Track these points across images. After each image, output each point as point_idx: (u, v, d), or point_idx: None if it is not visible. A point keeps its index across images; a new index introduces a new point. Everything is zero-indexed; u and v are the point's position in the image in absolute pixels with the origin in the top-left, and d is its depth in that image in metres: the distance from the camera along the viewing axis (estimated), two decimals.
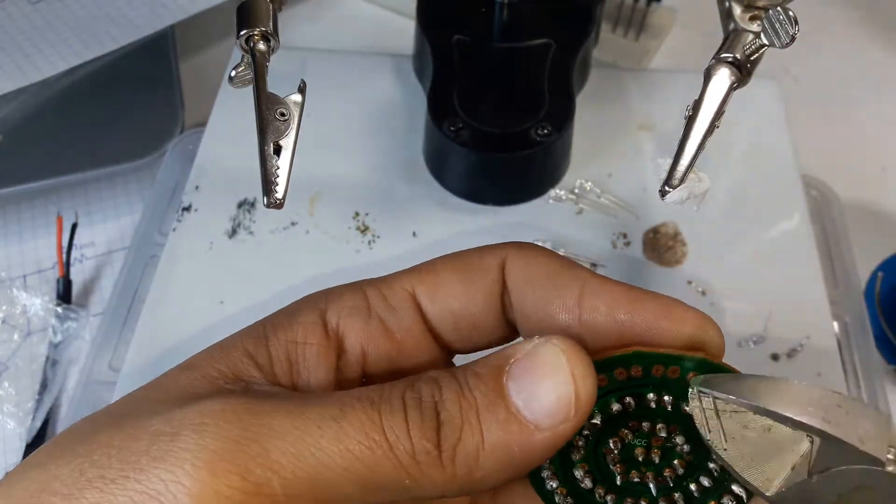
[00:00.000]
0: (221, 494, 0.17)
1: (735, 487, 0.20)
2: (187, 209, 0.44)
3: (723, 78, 0.25)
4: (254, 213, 0.44)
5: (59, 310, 0.43)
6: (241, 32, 0.26)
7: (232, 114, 0.48)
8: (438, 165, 0.44)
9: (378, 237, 0.43)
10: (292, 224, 0.44)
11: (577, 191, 0.44)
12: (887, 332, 0.42)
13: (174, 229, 0.43)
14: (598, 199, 0.44)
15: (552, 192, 0.44)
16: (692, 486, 0.21)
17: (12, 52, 0.49)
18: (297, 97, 0.26)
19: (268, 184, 0.24)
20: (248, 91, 0.26)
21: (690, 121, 0.25)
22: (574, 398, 0.18)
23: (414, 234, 0.43)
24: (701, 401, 0.19)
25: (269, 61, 0.26)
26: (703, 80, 0.26)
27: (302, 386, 0.21)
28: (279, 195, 0.24)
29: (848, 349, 0.40)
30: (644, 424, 0.21)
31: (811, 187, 0.46)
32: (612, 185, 0.45)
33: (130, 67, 0.51)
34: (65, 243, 0.44)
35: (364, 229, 0.43)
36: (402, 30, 0.51)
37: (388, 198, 0.44)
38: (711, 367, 0.20)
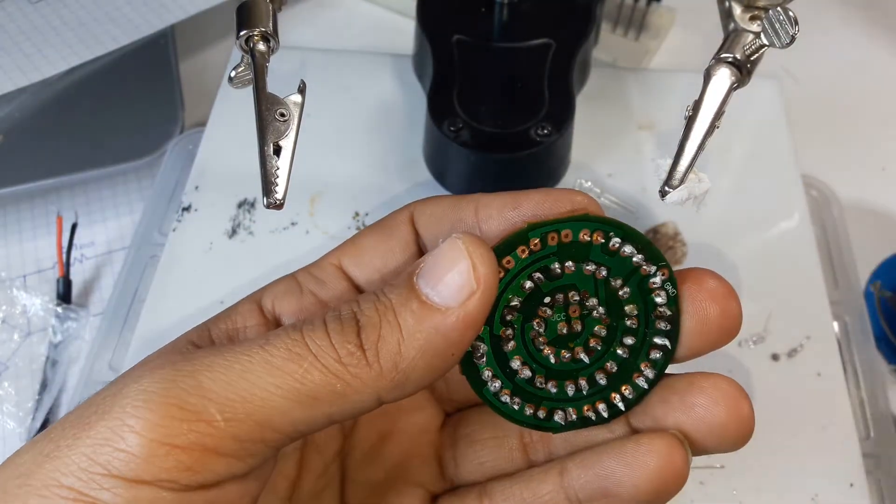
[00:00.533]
0: (163, 426, 0.18)
1: (657, 339, 0.22)
2: (187, 209, 0.44)
3: (723, 78, 0.25)
4: (254, 213, 0.44)
5: (59, 310, 0.43)
6: (241, 33, 0.26)
7: (232, 114, 0.48)
8: (438, 165, 0.44)
9: None
10: (292, 224, 0.44)
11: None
12: (887, 332, 0.42)
13: (174, 229, 0.43)
14: (598, 199, 0.44)
15: None
16: (619, 351, 0.22)
17: (12, 52, 0.49)
18: (297, 97, 0.25)
19: (268, 184, 0.24)
20: (248, 91, 0.26)
21: (690, 121, 0.25)
22: (473, 271, 0.19)
23: None
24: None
25: (268, 61, 0.26)
26: (703, 80, 0.26)
27: None
28: (279, 195, 0.24)
29: (848, 349, 0.40)
30: (558, 297, 0.22)
31: (811, 187, 0.46)
32: (612, 185, 0.45)
33: (130, 67, 0.51)
34: (65, 243, 0.44)
35: None
36: (402, 30, 0.51)
37: (388, 198, 0.44)
38: (597, 220, 0.21)
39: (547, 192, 0.22)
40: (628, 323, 0.22)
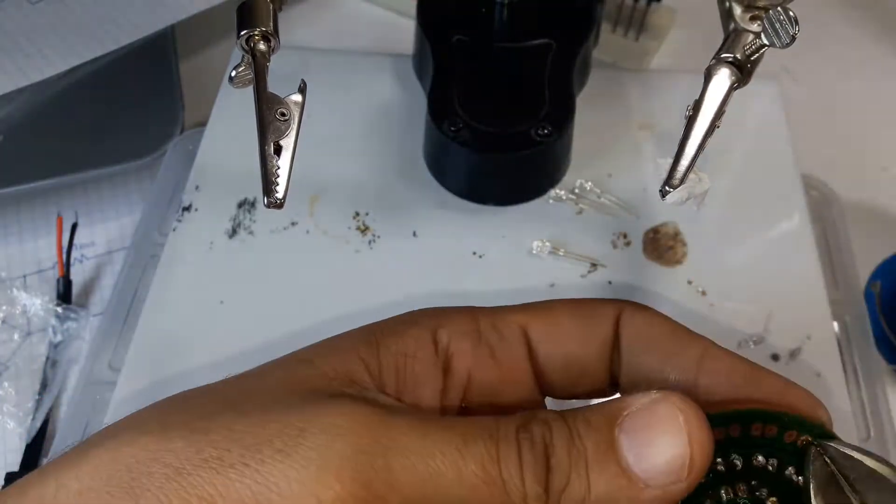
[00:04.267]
0: (342, 500, 0.17)
1: None
2: (187, 209, 0.44)
3: (723, 78, 0.25)
4: (254, 213, 0.44)
5: (59, 310, 0.43)
6: (242, 32, 0.26)
7: (232, 114, 0.48)
8: (438, 165, 0.44)
9: (378, 237, 0.43)
10: (292, 224, 0.44)
11: (577, 191, 0.44)
12: (887, 332, 0.42)
13: (174, 229, 0.43)
14: (598, 199, 0.44)
15: (552, 192, 0.44)
16: None
17: (12, 52, 0.49)
18: (298, 97, 0.26)
19: (268, 184, 0.24)
20: (249, 91, 0.26)
21: (691, 121, 0.25)
22: (689, 461, 0.18)
23: (414, 233, 0.43)
24: (820, 457, 0.19)
25: (269, 61, 0.26)
26: (703, 80, 0.26)
27: (407, 401, 0.21)
28: (279, 195, 0.24)
29: (848, 349, 0.40)
30: (762, 490, 0.20)
31: (811, 187, 0.46)
32: (612, 185, 0.45)
33: (130, 67, 0.50)
34: (65, 243, 0.44)
35: (364, 229, 0.43)
36: (402, 30, 0.51)
37: (388, 198, 0.44)
38: (827, 436, 0.20)
39: (788, 385, 0.21)
40: None
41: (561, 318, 0.23)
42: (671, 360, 0.21)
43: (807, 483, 0.19)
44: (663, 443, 0.18)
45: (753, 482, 0.20)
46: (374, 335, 0.22)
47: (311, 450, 0.17)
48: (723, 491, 0.20)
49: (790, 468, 0.20)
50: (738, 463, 0.20)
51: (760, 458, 0.20)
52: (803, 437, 0.20)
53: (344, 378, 0.20)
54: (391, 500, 0.17)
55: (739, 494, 0.20)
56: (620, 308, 0.23)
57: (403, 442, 0.18)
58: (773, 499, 0.20)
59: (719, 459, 0.20)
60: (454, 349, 0.22)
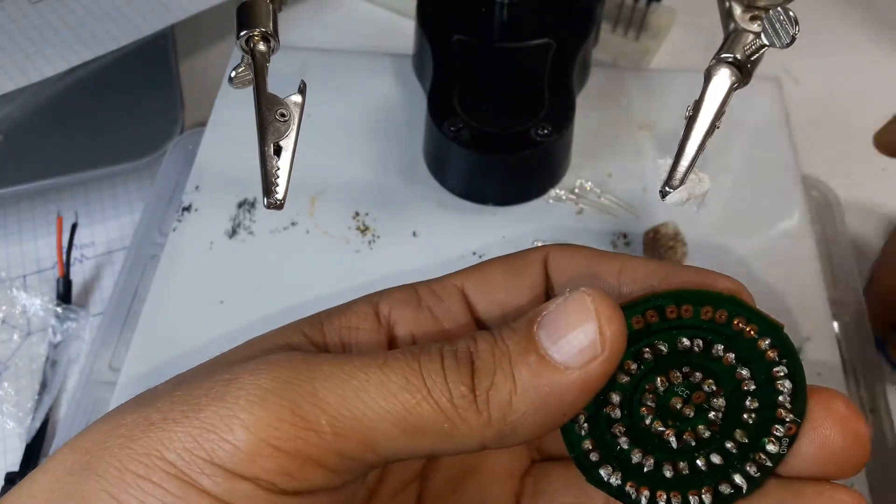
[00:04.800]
0: (273, 427, 0.18)
1: (737, 478, 0.21)
2: (187, 209, 0.44)
3: (723, 78, 0.25)
4: (254, 213, 0.44)
5: (59, 310, 0.43)
6: (242, 33, 0.26)
7: (232, 114, 0.48)
8: (438, 165, 0.44)
9: (378, 237, 0.43)
10: (292, 224, 0.44)
11: (577, 191, 0.44)
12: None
13: (174, 229, 0.43)
14: (598, 199, 0.44)
15: (552, 192, 0.44)
16: (699, 462, 0.21)
17: (12, 52, 0.49)
18: (298, 98, 0.26)
19: (268, 184, 0.24)
20: (248, 91, 0.26)
21: (691, 121, 0.25)
22: (600, 335, 0.19)
23: (414, 233, 0.43)
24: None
25: (269, 62, 0.26)
26: (703, 80, 0.26)
27: None
28: (279, 196, 0.24)
29: (848, 349, 0.40)
30: (676, 374, 0.21)
31: (811, 187, 0.46)
32: (612, 185, 0.45)
33: (130, 67, 0.51)
34: (65, 243, 0.44)
35: (364, 229, 0.43)
36: (402, 30, 0.51)
37: (388, 198, 0.44)
38: (745, 307, 0.20)
39: (702, 273, 0.21)
40: (728, 446, 0.21)
41: (493, 273, 0.24)
42: (595, 280, 0.22)
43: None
44: (575, 325, 0.19)
45: (685, 368, 0.21)
46: (318, 316, 0.23)
47: (240, 389, 0.18)
48: (658, 381, 0.21)
49: (717, 346, 0.20)
50: (663, 349, 0.20)
51: (685, 340, 0.20)
52: (720, 312, 0.20)
53: (284, 346, 0.22)
54: (320, 421, 0.18)
55: (675, 382, 0.21)
56: (546, 252, 0.24)
57: (326, 369, 0.19)
58: (710, 381, 0.21)
59: (647, 349, 0.20)
60: (395, 317, 0.23)
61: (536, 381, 0.19)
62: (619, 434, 0.21)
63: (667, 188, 0.25)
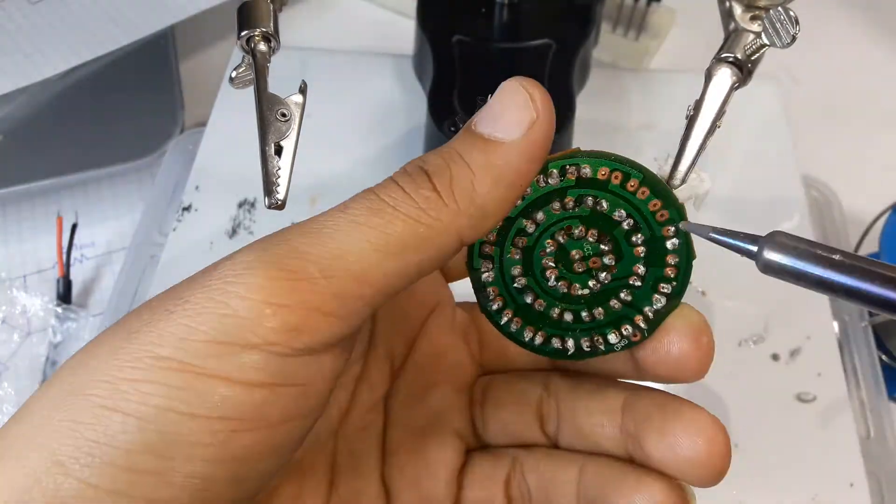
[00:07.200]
0: (267, 288, 0.18)
1: (640, 321, 0.23)
2: (187, 209, 0.44)
3: (724, 78, 0.25)
4: (254, 213, 0.44)
5: (59, 310, 0.43)
6: (242, 33, 0.26)
7: (232, 114, 0.48)
8: None
9: None
10: (293, 224, 0.43)
11: None
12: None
13: (174, 229, 0.43)
14: None
15: None
16: (598, 309, 0.23)
17: (12, 52, 0.49)
18: (298, 98, 0.25)
19: (269, 185, 0.24)
20: (249, 91, 0.26)
21: (691, 121, 0.25)
22: (531, 102, 0.20)
23: None
24: None
25: (269, 62, 0.26)
26: (703, 79, 0.26)
27: None
28: (280, 196, 0.24)
29: (848, 349, 0.40)
30: (574, 230, 0.22)
31: (811, 187, 0.46)
32: None
33: (130, 67, 0.51)
34: (65, 243, 0.44)
35: None
36: (402, 30, 0.51)
37: None
38: (652, 178, 0.23)
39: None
40: (622, 295, 0.23)
41: None
42: None
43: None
44: (508, 105, 0.20)
45: (591, 230, 0.23)
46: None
47: (223, 271, 0.18)
48: (576, 230, 0.23)
49: (620, 210, 0.22)
50: (570, 204, 0.23)
51: (589, 199, 0.23)
52: (633, 181, 0.23)
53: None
54: (308, 269, 0.18)
55: (575, 236, 0.23)
56: None
57: (296, 229, 0.19)
58: (607, 243, 0.23)
59: (557, 201, 0.22)
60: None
61: (489, 160, 0.20)
62: (516, 275, 0.23)
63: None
